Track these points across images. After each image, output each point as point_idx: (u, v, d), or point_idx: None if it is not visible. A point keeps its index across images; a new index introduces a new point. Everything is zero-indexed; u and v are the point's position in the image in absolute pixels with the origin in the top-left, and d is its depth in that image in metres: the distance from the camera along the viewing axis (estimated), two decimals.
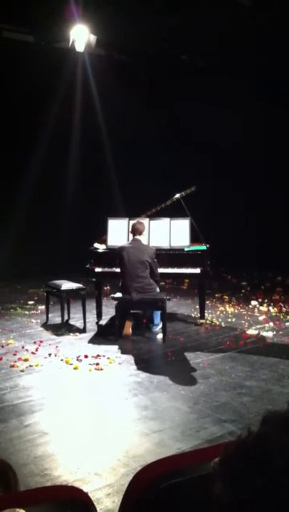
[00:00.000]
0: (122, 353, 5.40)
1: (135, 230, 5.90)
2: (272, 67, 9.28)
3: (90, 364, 5.00)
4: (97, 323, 6.62)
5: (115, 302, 5.93)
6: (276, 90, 9.56)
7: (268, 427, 0.74)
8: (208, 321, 6.69)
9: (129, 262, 5.72)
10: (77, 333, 6.13)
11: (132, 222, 6.16)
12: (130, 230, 5.96)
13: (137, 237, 5.89)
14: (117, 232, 6.38)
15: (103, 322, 6.69)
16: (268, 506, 0.69)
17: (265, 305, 7.55)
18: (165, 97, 10.46)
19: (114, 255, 6.08)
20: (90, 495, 1.10)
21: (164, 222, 6.39)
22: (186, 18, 7.68)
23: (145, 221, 6.34)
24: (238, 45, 8.63)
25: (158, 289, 6.00)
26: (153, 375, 4.70)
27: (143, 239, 5.96)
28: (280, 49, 8.60)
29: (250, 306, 7.54)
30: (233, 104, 9.51)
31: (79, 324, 6.46)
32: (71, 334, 6.09)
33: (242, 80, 9.75)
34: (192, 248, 6.28)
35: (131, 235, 5.98)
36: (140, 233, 5.90)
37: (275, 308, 7.33)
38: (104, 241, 6.47)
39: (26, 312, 7.24)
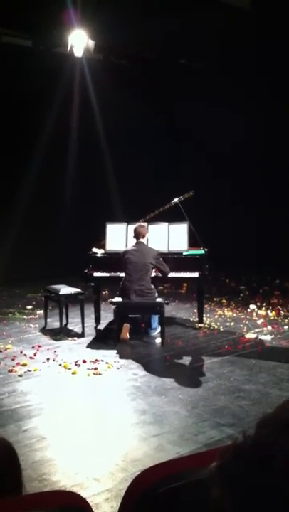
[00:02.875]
0: (121, 357, 5.39)
1: (138, 234, 5.91)
2: (272, 68, 9.31)
3: (88, 369, 4.99)
4: (95, 327, 6.61)
5: (114, 307, 5.93)
6: (276, 91, 9.59)
7: (266, 429, 0.74)
8: (206, 325, 6.69)
9: (131, 263, 5.73)
10: (76, 338, 6.11)
11: (131, 226, 6.17)
12: (133, 234, 5.97)
13: (140, 240, 5.91)
14: (116, 236, 6.39)
15: (101, 327, 6.68)
16: (268, 510, 0.68)
17: (263, 309, 7.56)
18: (164, 100, 10.49)
19: (113, 260, 6.08)
20: (88, 500, 1.10)
21: (162, 226, 6.39)
22: (184, 21, 7.70)
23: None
24: (237, 47, 8.66)
25: (156, 294, 6.00)
26: (151, 380, 4.69)
27: (145, 242, 5.98)
28: (279, 50, 8.63)
29: (249, 310, 7.55)
30: (232, 106, 9.54)
31: (77, 329, 6.46)
32: (69, 339, 6.08)
33: (241, 81, 9.78)
34: (190, 252, 6.28)
35: (134, 240, 5.98)
36: (143, 236, 5.93)
37: (274, 312, 7.33)
38: (102, 246, 6.47)
39: (25, 317, 7.23)
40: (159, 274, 6.04)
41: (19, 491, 1.24)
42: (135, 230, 5.95)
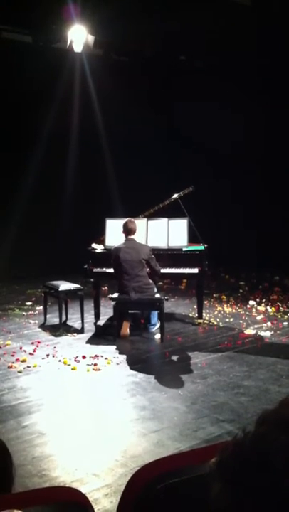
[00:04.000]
0: (120, 353, 5.39)
1: (129, 230, 5.87)
2: (272, 67, 9.28)
3: (87, 365, 5.00)
4: (95, 323, 6.61)
5: (113, 303, 5.93)
6: (276, 90, 9.57)
7: (265, 426, 0.74)
8: (206, 321, 6.69)
9: (126, 262, 5.71)
10: (75, 334, 6.12)
11: (122, 221, 6.13)
12: (123, 230, 5.92)
13: (131, 236, 5.87)
14: (115, 232, 6.36)
15: (101, 322, 6.68)
16: (266, 507, 0.68)
17: (262, 305, 7.56)
18: (164, 98, 10.47)
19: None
20: (87, 495, 1.10)
21: (162, 222, 6.39)
22: (184, 18, 7.68)
23: (143, 221, 6.34)
24: (238, 45, 8.63)
25: (155, 289, 6.00)
26: (151, 375, 4.70)
27: (137, 238, 5.94)
28: (279, 48, 8.59)
29: (248, 306, 7.55)
30: (232, 105, 9.51)
31: (77, 325, 6.46)
32: (69, 335, 6.09)
33: (242, 80, 9.75)
34: (190, 248, 6.28)
35: (124, 235, 5.94)
36: (134, 232, 5.89)
37: (273, 308, 7.33)
38: (102, 241, 6.47)
39: (24, 313, 7.23)
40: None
41: (9, 489, 1.24)
42: (126, 226, 5.88)
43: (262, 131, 9.77)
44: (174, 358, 5.26)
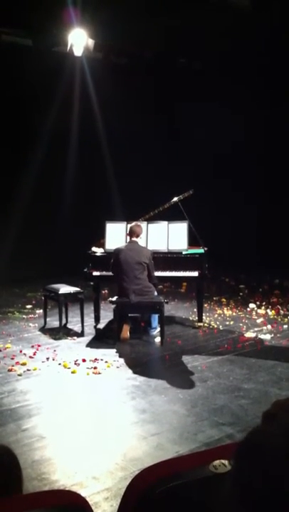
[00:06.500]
0: (120, 356, 5.39)
1: (133, 233, 5.90)
2: (272, 68, 9.31)
3: (87, 368, 4.99)
4: (95, 326, 6.61)
5: (113, 306, 5.93)
6: (276, 91, 9.60)
7: (267, 428, 0.74)
8: (206, 324, 6.69)
9: (126, 263, 5.71)
10: (75, 337, 6.12)
11: (129, 225, 6.17)
12: (128, 232, 5.97)
13: (134, 239, 5.89)
14: (115, 235, 6.38)
15: (101, 326, 6.68)
16: (267, 508, 0.69)
17: (263, 308, 7.56)
18: (164, 100, 10.49)
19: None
20: (87, 499, 1.10)
21: (162, 225, 6.39)
22: (184, 20, 7.69)
23: (143, 224, 6.35)
24: (238, 46, 8.65)
25: (156, 293, 6.00)
26: (151, 379, 4.69)
27: (140, 241, 5.96)
28: (279, 50, 8.62)
29: (248, 309, 7.55)
30: (232, 105, 9.54)
31: (77, 328, 6.46)
32: (69, 338, 6.08)
33: (242, 81, 9.79)
34: (190, 251, 6.28)
35: (128, 237, 5.98)
36: (138, 236, 5.91)
37: (273, 311, 7.33)
38: (102, 244, 6.47)
39: (24, 316, 7.23)
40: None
41: (20, 491, 1.25)
42: (131, 229, 5.94)
43: (262, 131, 9.79)
44: (174, 361, 5.25)
